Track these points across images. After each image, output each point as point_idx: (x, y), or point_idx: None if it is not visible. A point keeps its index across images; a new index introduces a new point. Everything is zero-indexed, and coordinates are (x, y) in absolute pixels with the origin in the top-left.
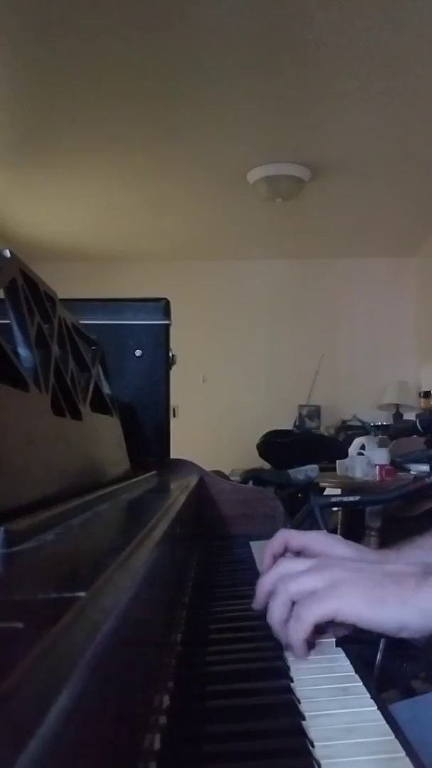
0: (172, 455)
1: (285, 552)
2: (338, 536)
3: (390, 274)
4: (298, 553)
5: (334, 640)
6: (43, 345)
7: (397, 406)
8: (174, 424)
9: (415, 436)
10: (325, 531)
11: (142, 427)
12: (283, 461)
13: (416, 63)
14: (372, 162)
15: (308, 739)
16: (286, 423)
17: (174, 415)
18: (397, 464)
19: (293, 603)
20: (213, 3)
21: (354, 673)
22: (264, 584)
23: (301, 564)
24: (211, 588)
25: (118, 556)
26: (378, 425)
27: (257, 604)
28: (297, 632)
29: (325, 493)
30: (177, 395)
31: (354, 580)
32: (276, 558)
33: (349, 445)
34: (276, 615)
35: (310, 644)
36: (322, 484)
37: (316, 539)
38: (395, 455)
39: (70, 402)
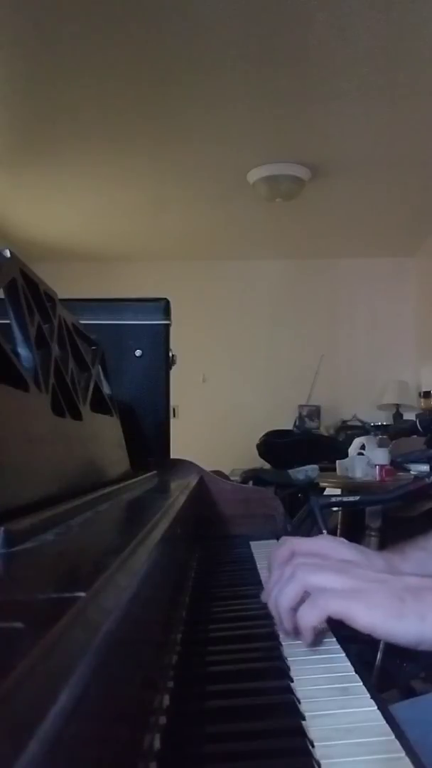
0: (172, 455)
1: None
2: (343, 539)
3: (390, 274)
4: None
5: (335, 639)
6: (43, 345)
7: (397, 406)
8: (174, 424)
9: (415, 436)
10: (329, 535)
11: (142, 427)
12: (283, 461)
13: (416, 63)
14: (372, 162)
15: (308, 739)
16: (286, 423)
17: (174, 415)
18: (397, 464)
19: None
20: (213, 3)
21: (354, 673)
22: (277, 576)
23: (317, 560)
24: (211, 588)
25: (118, 556)
26: (378, 425)
27: (265, 595)
28: (310, 616)
29: (325, 493)
30: (177, 395)
31: (374, 591)
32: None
33: (349, 445)
34: (286, 600)
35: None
36: (322, 484)
37: (323, 545)
38: (395, 455)
39: (70, 402)
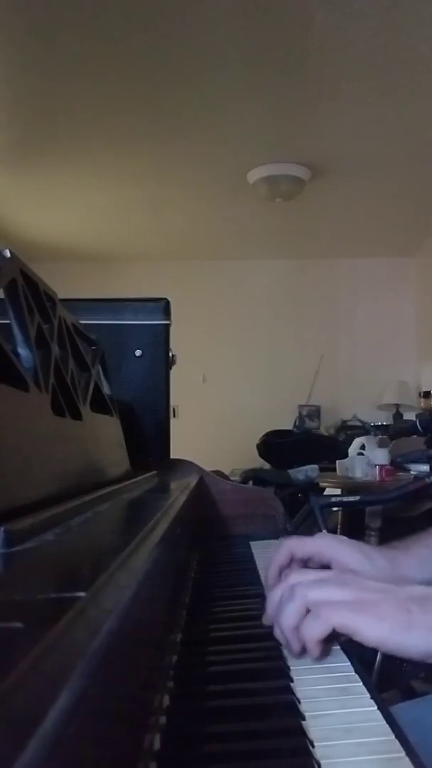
0: (172, 455)
1: (291, 563)
2: (344, 537)
3: (390, 274)
4: (305, 562)
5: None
6: (43, 345)
7: (397, 406)
8: (174, 424)
9: (415, 436)
10: (329, 533)
11: (142, 427)
12: (283, 461)
13: (416, 63)
14: (372, 162)
15: (308, 739)
16: (286, 423)
17: (174, 415)
18: (397, 464)
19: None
20: (213, 3)
21: (354, 673)
22: (275, 596)
23: (314, 575)
24: (211, 588)
25: (118, 556)
26: (378, 425)
27: (267, 618)
28: (315, 630)
29: (325, 493)
30: (177, 395)
31: (379, 603)
32: (282, 569)
33: (349, 445)
34: (288, 619)
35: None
36: (322, 484)
37: (324, 545)
38: (395, 455)
39: (70, 402)
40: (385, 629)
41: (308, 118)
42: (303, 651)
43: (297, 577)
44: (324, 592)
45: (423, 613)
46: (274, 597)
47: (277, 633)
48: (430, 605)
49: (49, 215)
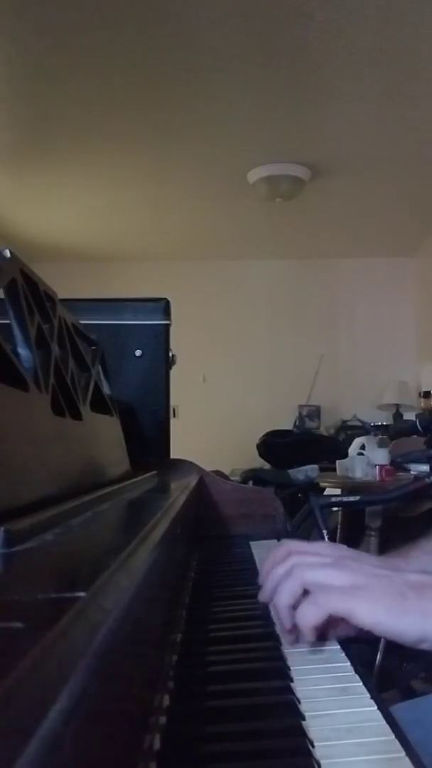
0: (172, 455)
1: None
2: (343, 546)
3: (390, 274)
4: None
5: (335, 639)
6: (43, 345)
7: (397, 406)
8: (174, 424)
9: (415, 436)
10: (329, 536)
11: (142, 427)
12: (283, 461)
13: (416, 63)
14: (372, 162)
15: (308, 739)
16: (286, 423)
17: (174, 415)
18: (397, 464)
19: (303, 595)
20: (213, 3)
21: (354, 673)
22: (275, 574)
23: (313, 556)
24: (211, 588)
25: (118, 556)
26: (378, 425)
27: (264, 596)
28: (311, 616)
29: (325, 493)
30: (177, 395)
31: (375, 586)
32: None
33: (349, 445)
34: (284, 598)
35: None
36: (322, 484)
37: (321, 549)
38: (395, 455)
39: (70, 402)
40: (382, 612)
41: (308, 118)
42: (295, 630)
43: (297, 558)
44: (321, 573)
45: (418, 598)
46: (273, 575)
47: (270, 608)
48: (426, 591)
49: (49, 215)
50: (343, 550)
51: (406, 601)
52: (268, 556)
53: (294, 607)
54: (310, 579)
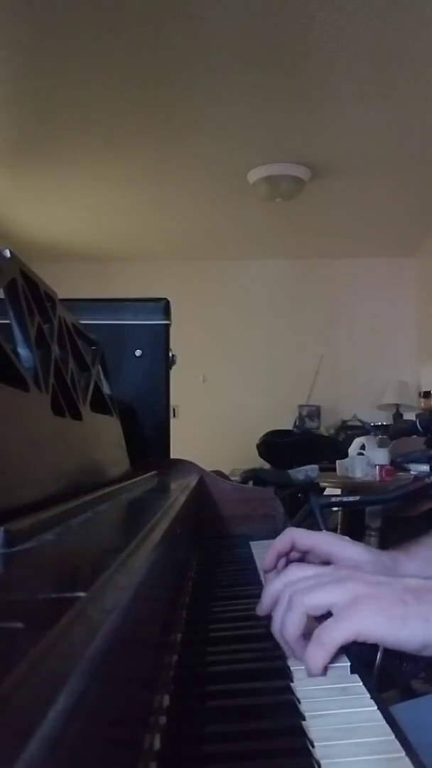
0: (172, 455)
1: (291, 551)
2: (346, 537)
3: (390, 274)
4: (304, 554)
5: None
6: (43, 345)
7: (397, 406)
8: (174, 424)
9: (415, 436)
10: (331, 532)
11: (142, 427)
12: (283, 461)
13: (416, 63)
14: (372, 162)
15: (308, 739)
16: (286, 423)
17: (174, 415)
18: (397, 464)
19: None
20: (213, 3)
21: (354, 674)
22: (271, 591)
23: (310, 571)
24: (211, 588)
25: (118, 556)
26: (378, 425)
27: (262, 610)
28: (319, 658)
29: (325, 493)
30: (177, 395)
31: (374, 596)
32: (281, 556)
33: (349, 445)
34: (292, 630)
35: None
36: (322, 484)
37: (325, 540)
38: (395, 455)
39: (70, 402)
40: (384, 624)
41: (308, 118)
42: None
43: (292, 573)
44: (320, 595)
45: (418, 603)
46: (269, 590)
47: (276, 635)
48: (426, 596)
49: (49, 215)
50: (348, 540)
51: (407, 608)
52: (273, 543)
53: (304, 636)
54: (310, 603)
